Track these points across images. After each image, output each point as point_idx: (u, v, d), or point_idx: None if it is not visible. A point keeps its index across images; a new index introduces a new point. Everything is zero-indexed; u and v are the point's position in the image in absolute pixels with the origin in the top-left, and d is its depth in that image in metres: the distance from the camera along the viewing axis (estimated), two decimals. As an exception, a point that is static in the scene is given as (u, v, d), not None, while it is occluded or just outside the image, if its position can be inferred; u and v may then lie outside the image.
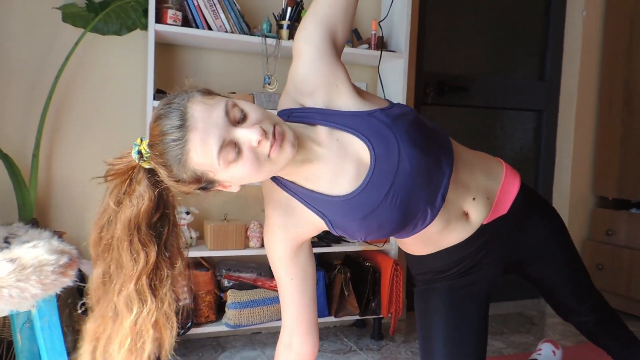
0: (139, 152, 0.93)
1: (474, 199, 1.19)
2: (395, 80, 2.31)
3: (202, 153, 0.86)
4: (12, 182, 1.81)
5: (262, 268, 2.20)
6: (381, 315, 2.24)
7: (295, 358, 1.25)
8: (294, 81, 1.08)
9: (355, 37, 2.34)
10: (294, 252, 1.13)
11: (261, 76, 2.15)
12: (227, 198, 2.26)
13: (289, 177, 1.05)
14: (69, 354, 1.36)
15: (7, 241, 1.37)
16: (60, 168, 2.02)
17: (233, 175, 0.91)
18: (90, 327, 0.98)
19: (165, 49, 2.13)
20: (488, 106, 2.87)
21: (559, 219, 1.36)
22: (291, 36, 2.13)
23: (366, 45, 2.27)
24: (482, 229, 1.21)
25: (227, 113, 0.86)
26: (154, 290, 0.97)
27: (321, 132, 1.04)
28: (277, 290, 2.07)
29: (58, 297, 1.35)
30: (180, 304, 1.94)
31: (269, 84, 2.10)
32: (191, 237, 2.04)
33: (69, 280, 1.28)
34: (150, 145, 0.91)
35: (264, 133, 0.87)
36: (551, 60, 2.98)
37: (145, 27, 1.99)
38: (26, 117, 1.95)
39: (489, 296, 1.30)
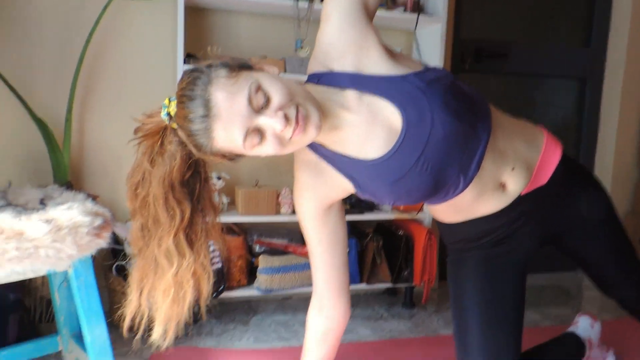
0: (168, 114, 0.95)
1: (512, 168, 1.14)
2: (432, 46, 2.22)
3: (226, 140, 0.90)
4: (47, 146, 1.83)
5: (294, 234, 2.20)
6: (413, 284, 2.22)
7: (326, 322, 1.25)
8: (322, 45, 1.06)
9: (390, 0, 2.25)
10: (323, 212, 1.15)
11: (293, 40, 2.10)
12: (258, 164, 2.24)
13: (318, 140, 1.04)
14: (105, 313, 1.38)
15: (42, 203, 1.39)
16: (92, 132, 2.04)
17: (258, 154, 0.94)
18: (135, 276, 1.03)
19: (195, 12, 2.09)
20: (528, 73, 2.75)
21: (603, 192, 1.28)
22: (324, -3, 2.06)
23: (402, 8, 2.17)
24: (520, 200, 1.16)
25: (250, 101, 0.88)
26: (190, 243, 1.01)
27: (350, 96, 1.02)
28: (308, 257, 2.07)
29: (93, 258, 1.37)
30: (213, 267, 1.96)
31: (301, 48, 2.04)
32: (222, 203, 2.04)
33: (103, 242, 1.29)
34: (177, 117, 0.93)
35: (287, 121, 0.89)
36: (597, 25, 2.80)
37: (175, -11, 1.95)
38: (58, 82, 1.96)
39: (525, 267, 1.25)
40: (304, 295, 2.30)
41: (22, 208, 1.34)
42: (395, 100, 1.00)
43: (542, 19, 2.74)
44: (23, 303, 1.75)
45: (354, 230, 2.25)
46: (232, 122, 0.88)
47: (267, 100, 0.89)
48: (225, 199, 2.05)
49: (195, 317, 1.90)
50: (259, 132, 0.90)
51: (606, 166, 2.84)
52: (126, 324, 1.02)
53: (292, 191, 2.06)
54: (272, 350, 1.83)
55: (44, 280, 1.75)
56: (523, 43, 2.70)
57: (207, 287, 1.07)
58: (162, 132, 0.98)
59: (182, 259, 1.00)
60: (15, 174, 1.88)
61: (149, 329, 1.02)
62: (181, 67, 1.87)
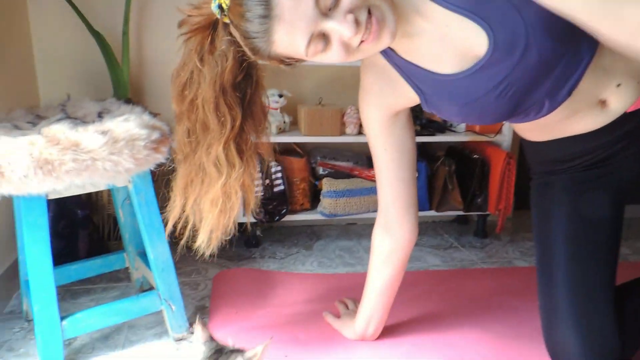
0: (220, 7, 0.84)
1: (618, 85, 0.93)
2: None
3: (287, 45, 0.81)
4: (105, 61, 1.76)
5: (359, 156, 2.07)
6: (487, 212, 2.06)
7: (391, 241, 1.18)
8: None
9: None
10: (389, 120, 1.07)
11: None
12: (322, 80, 2.09)
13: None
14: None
15: (100, 116, 1.33)
16: (150, 47, 1.95)
17: (320, 61, 0.86)
18: (179, 182, 1.00)
19: None
20: None
21: None
22: None
23: None
24: (625, 118, 0.96)
25: (317, 1, 0.77)
26: (240, 153, 0.95)
27: (432, 8, 0.87)
28: (374, 180, 1.94)
29: (153, 175, 1.32)
30: (275, 189, 1.89)
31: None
32: (284, 122, 1.93)
33: (161, 157, 1.23)
34: (231, 13, 0.83)
35: (357, 26, 0.78)
36: None
37: None
38: (115, -8, 1.86)
39: (624, 195, 1.06)
40: (369, 221, 2.20)
41: (80, 121, 1.29)
42: (484, 19, 0.84)
43: None
44: (92, 220, 1.77)
45: (424, 153, 2.09)
46: (295, 25, 0.78)
47: (336, 2, 0.77)
48: (287, 118, 1.94)
49: (257, 239, 1.87)
50: (324, 37, 0.80)
51: None
52: (168, 229, 1.01)
53: (358, 110, 1.91)
54: (336, 275, 1.76)
55: (110, 198, 1.75)
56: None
57: (254, 200, 1.04)
58: (212, 26, 0.88)
59: (231, 169, 0.95)
60: (75, 89, 1.85)
61: (193, 236, 1.01)
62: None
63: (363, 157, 2.07)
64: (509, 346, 1.33)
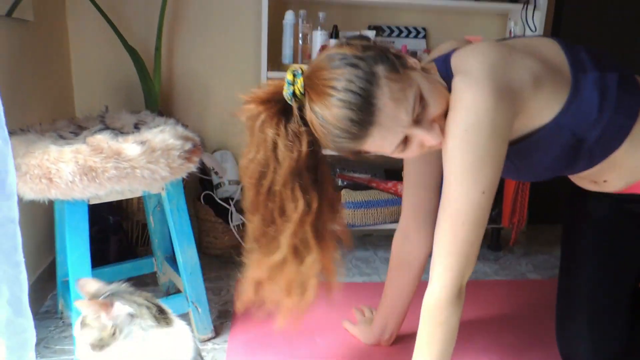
0: (294, 94, 0.86)
1: (605, 181, 1.03)
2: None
3: (376, 145, 0.85)
4: (138, 75, 1.86)
5: (377, 169, 2.14)
6: (501, 225, 2.11)
7: (408, 249, 1.24)
8: None
9: None
10: None
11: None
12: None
13: None
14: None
15: (136, 127, 1.42)
16: (181, 62, 2.05)
17: (396, 156, 0.90)
18: (252, 270, 0.97)
19: None
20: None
21: None
22: None
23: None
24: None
25: (413, 110, 0.82)
26: (318, 237, 0.93)
27: None
28: (391, 193, 2.02)
29: (184, 184, 1.40)
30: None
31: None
32: (306, 135, 2.00)
33: (193, 166, 1.31)
34: (314, 103, 0.83)
35: (441, 136, 0.85)
36: None
37: None
38: (148, 11, 1.96)
39: None
40: (386, 232, 2.26)
41: (119, 131, 1.38)
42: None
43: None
44: (121, 226, 1.85)
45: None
46: (391, 130, 0.82)
47: (425, 110, 0.84)
48: (308, 131, 2.01)
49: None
50: (407, 139, 0.85)
51: None
52: (240, 310, 1.03)
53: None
54: (353, 285, 1.82)
55: (140, 204, 1.84)
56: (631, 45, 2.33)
57: (336, 283, 1.02)
58: (281, 111, 0.87)
59: (308, 253, 0.93)
60: (110, 100, 1.95)
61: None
62: (266, -6, 1.80)
63: (380, 170, 2.13)
64: (519, 356, 1.37)
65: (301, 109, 0.87)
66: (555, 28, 2.27)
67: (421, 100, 0.83)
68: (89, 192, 1.16)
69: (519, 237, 2.20)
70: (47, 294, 1.63)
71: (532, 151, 0.91)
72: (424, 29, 2.13)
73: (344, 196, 2.00)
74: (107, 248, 1.78)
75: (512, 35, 2.06)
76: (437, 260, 0.87)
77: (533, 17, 1.95)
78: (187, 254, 1.39)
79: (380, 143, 0.84)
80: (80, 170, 1.12)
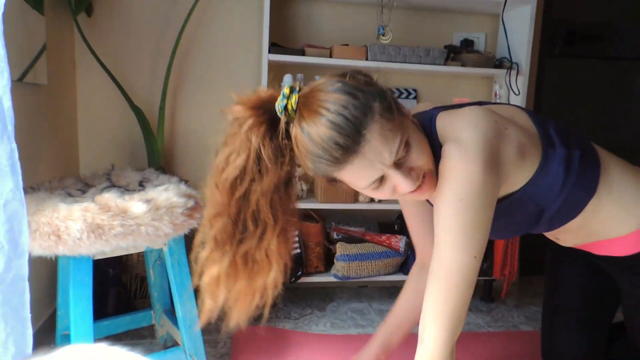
0: (285, 108, 0.86)
1: (557, 239, 1.15)
2: (519, 29, 2.12)
3: (353, 176, 0.85)
4: (142, 133, 1.95)
5: (371, 222, 2.20)
6: (493, 277, 2.16)
7: (424, 275, 1.26)
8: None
9: (475, -18, 2.17)
10: None
11: (375, 27, 2.09)
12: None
13: None
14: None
15: (141, 184, 1.49)
16: (183, 120, 2.15)
17: (367, 193, 0.91)
18: (215, 273, 0.93)
19: (279, 2, 2.13)
20: (626, 57, 2.55)
21: None
22: (407, -17, 2.03)
23: (488, -9, 2.10)
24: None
25: (397, 151, 0.84)
26: (282, 249, 0.93)
27: None
28: (385, 245, 2.08)
29: (185, 238, 1.45)
30: (292, 252, 2.01)
31: (383, 35, 2.03)
32: (302, 190, 2.08)
33: (195, 222, 1.37)
34: (303, 121, 0.83)
35: (415, 185, 0.87)
36: None
37: (260, -20, 2.00)
38: (154, 73, 2.08)
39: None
40: (380, 284, 2.30)
41: (124, 189, 1.44)
42: None
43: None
44: (121, 279, 1.89)
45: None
46: (372, 165, 0.83)
47: (407, 156, 0.86)
48: (304, 186, 2.09)
49: (274, 301, 1.92)
50: (382, 179, 0.87)
51: None
52: (203, 322, 0.96)
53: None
54: (348, 337, 1.85)
55: (140, 258, 1.88)
56: (623, 23, 2.51)
57: (273, 296, 0.99)
58: (267, 121, 0.87)
59: (277, 264, 0.92)
60: (115, 158, 2.03)
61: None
62: (266, 57, 1.92)
63: (375, 223, 2.20)
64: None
65: (288, 124, 0.86)
66: (538, 92, 2.40)
67: (406, 146, 0.85)
68: (95, 248, 1.21)
69: (511, 289, 2.24)
70: (45, 347, 1.64)
71: (499, 215, 0.95)
72: (414, 90, 2.26)
73: (339, 249, 2.05)
74: (105, 301, 1.81)
75: (498, 97, 2.19)
76: (429, 321, 0.89)
77: (517, 81, 2.08)
78: (186, 308, 1.43)
79: (357, 174, 0.84)
80: (88, 227, 1.17)
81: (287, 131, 0.87)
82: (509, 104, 1.06)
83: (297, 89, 0.87)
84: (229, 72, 2.15)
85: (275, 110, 0.87)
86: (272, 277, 0.93)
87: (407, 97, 2.24)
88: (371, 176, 0.85)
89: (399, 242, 2.08)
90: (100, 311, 1.75)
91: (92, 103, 2.06)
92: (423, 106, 1.09)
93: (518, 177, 0.94)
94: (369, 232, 2.16)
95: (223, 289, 0.95)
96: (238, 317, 0.98)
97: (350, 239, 2.13)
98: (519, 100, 2.11)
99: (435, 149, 0.93)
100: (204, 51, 2.13)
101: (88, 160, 2.06)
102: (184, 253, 1.43)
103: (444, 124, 0.95)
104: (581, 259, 1.20)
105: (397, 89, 2.24)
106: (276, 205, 0.89)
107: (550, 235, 1.15)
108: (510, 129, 0.93)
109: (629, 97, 2.60)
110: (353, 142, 0.80)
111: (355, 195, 2.08)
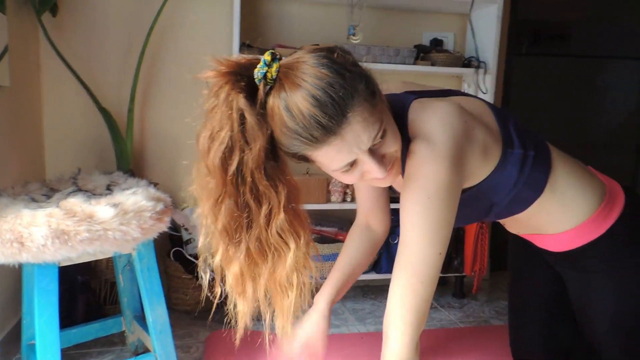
0: (265, 76, 0.80)
1: (504, 224, 1.19)
2: (486, 29, 2.16)
3: (328, 158, 0.83)
4: (111, 135, 1.91)
5: (344, 222, 2.21)
6: (464, 274, 2.19)
7: (368, 235, 1.29)
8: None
9: (443, -17, 2.20)
10: None
11: (345, 27, 2.09)
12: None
13: None
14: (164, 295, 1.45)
15: (108, 188, 1.46)
16: (153, 122, 2.11)
17: (331, 174, 0.89)
18: (236, 271, 0.88)
19: (250, 1, 2.12)
20: (589, 55, 2.63)
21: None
22: (376, -17, 2.04)
23: (455, -9, 2.13)
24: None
25: (374, 137, 0.82)
26: (296, 224, 0.88)
27: None
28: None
29: (154, 243, 1.43)
30: (309, 227, 2.00)
31: (354, 35, 2.04)
32: (275, 190, 2.07)
33: (164, 226, 1.35)
34: (283, 96, 0.79)
35: (385, 171, 0.87)
36: (666, 1, 2.65)
37: (229, -21, 1.98)
38: (122, 74, 2.04)
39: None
40: (354, 283, 2.30)
41: (91, 193, 1.41)
42: None
43: (605, -3, 2.62)
44: (90, 285, 1.85)
45: (405, 219, 2.23)
46: (349, 149, 0.81)
47: (381, 142, 0.85)
48: (277, 187, 2.08)
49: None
50: (353, 164, 0.86)
51: (673, 154, 2.69)
52: (241, 328, 0.92)
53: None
54: (323, 336, 1.85)
55: (109, 263, 1.85)
56: (584, 23, 2.58)
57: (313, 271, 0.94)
58: (246, 87, 0.81)
59: (297, 236, 0.87)
60: (82, 161, 1.98)
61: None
62: (236, 56, 1.91)
63: (347, 223, 2.21)
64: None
65: (267, 94, 0.81)
66: (506, 90, 2.45)
67: (383, 132, 0.84)
68: (60, 255, 1.18)
69: (482, 285, 2.28)
70: (10, 357, 1.60)
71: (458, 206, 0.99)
72: (385, 89, 2.27)
73: (312, 249, 2.05)
74: (74, 308, 1.77)
75: (466, 95, 2.22)
76: (395, 317, 0.89)
77: (484, 80, 2.11)
78: (157, 313, 1.41)
79: (332, 156, 0.82)
80: (52, 233, 1.15)
81: (265, 102, 0.82)
82: (476, 97, 1.07)
83: (278, 56, 0.82)
84: (199, 72, 2.11)
85: (253, 77, 0.81)
86: (291, 260, 0.87)
87: (378, 97, 2.26)
88: (345, 159, 0.83)
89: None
90: (69, 319, 1.71)
91: (58, 105, 2.01)
92: (394, 87, 1.06)
93: (477, 174, 0.97)
94: (342, 231, 2.17)
95: (249, 285, 0.90)
96: (283, 320, 0.93)
97: (323, 239, 2.13)
98: (487, 98, 2.14)
99: (403, 138, 0.92)
100: (174, 51, 2.10)
101: (55, 164, 2.01)
102: (154, 257, 1.41)
103: (417, 116, 0.94)
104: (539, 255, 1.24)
105: (368, 89, 2.25)
106: (272, 175, 0.83)
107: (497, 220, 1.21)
108: (477, 129, 0.94)
109: (592, 94, 2.68)
110: (336, 123, 0.77)
111: (327, 195, 2.08)
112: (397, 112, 0.95)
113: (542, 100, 2.62)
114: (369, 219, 1.28)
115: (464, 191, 0.97)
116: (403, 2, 2.16)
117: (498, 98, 2.38)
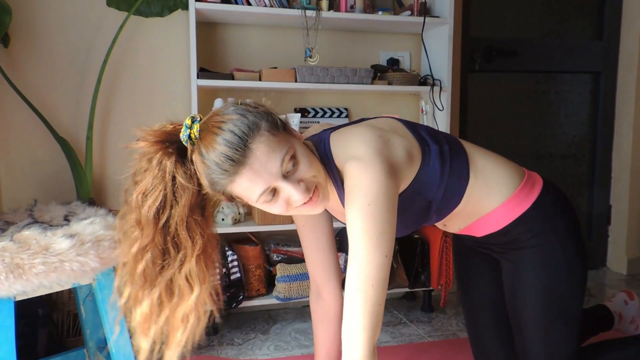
0: (190, 137, 0.94)
1: (445, 225, 1.26)
2: (439, 48, 2.23)
3: (244, 189, 0.92)
4: (69, 164, 1.89)
5: (310, 242, 2.21)
6: (431, 288, 2.22)
7: (322, 307, 1.33)
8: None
9: (397, 4, 2.27)
10: None
11: (302, 49, 2.13)
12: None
13: None
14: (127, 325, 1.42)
15: (66, 219, 1.44)
16: (113, 149, 2.09)
17: (262, 209, 0.99)
18: (146, 310, 0.96)
19: (206, 27, 2.14)
20: (540, 70, 2.74)
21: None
22: (331, 7, 2.10)
23: (408, 12, 2.20)
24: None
25: (282, 163, 0.92)
26: (202, 273, 0.98)
27: None
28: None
29: (115, 271, 1.41)
30: (232, 277, 1.99)
31: (310, 57, 2.08)
32: (239, 213, 2.07)
33: (124, 255, 1.33)
34: (202, 144, 0.92)
35: (306, 195, 0.95)
36: (609, 18, 2.79)
37: (186, 6, 2.01)
38: (78, 101, 2.02)
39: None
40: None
41: (48, 224, 1.39)
42: None
43: (552, 14, 2.74)
44: (51, 318, 1.80)
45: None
46: (259, 176, 0.91)
47: (295, 169, 0.94)
48: (242, 210, 2.09)
49: (216, 328, 1.91)
50: (275, 192, 0.94)
51: (624, 160, 2.81)
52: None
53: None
54: (292, 358, 1.84)
55: (71, 294, 1.81)
56: (533, 39, 2.70)
57: (220, 302, 1.06)
58: (175, 151, 0.95)
59: (203, 281, 0.98)
60: (40, 192, 1.95)
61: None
62: (195, 82, 1.92)
63: (314, 242, 2.22)
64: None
65: (192, 152, 0.94)
66: (462, 106, 2.53)
67: (292, 158, 0.93)
68: (15, 289, 1.15)
69: (449, 298, 2.31)
70: (-33, 399, 1.54)
71: (397, 212, 1.04)
72: (345, 109, 2.32)
73: (279, 270, 2.05)
74: (35, 342, 1.71)
75: (424, 112, 2.28)
76: (350, 322, 0.93)
77: (440, 97, 2.18)
78: (120, 344, 1.38)
79: (247, 186, 0.91)
80: (6, 268, 1.12)
81: (192, 158, 0.95)
82: (387, 116, 1.17)
83: (198, 118, 0.95)
84: (158, 98, 2.12)
85: (180, 141, 0.95)
86: (192, 301, 0.96)
87: (339, 116, 2.30)
88: (259, 187, 0.91)
89: (339, 259, 2.11)
90: (30, 354, 1.67)
91: (13, 136, 1.98)
92: (313, 129, 1.20)
93: (407, 176, 1.05)
94: (309, 251, 2.17)
95: (153, 324, 0.97)
96: (170, 353, 1.00)
97: (290, 260, 2.13)
98: (443, 114, 2.21)
99: (332, 170, 1.04)
100: (132, 78, 2.09)
101: (11, 197, 1.96)
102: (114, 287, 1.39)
103: (338, 146, 1.05)
104: (483, 259, 1.32)
105: (329, 109, 2.29)
106: (193, 227, 0.95)
107: (439, 224, 1.26)
108: (392, 139, 1.05)
109: (546, 107, 2.78)
110: (241, 154, 0.89)
111: (291, 217, 2.09)
112: (319, 149, 1.07)
113: (498, 114, 2.71)
114: (319, 284, 1.32)
115: (399, 195, 1.04)
116: (358, 25, 2.22)
117: (455, 114, 2.45)
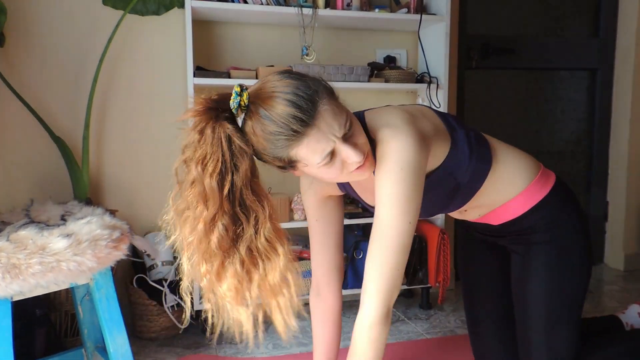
0: (239, 105, 0.93)
1: (465, 210, 1.28)
2: (436, 45, 2.23)
3: (310, 150, 0.92)
4: (66, 164, 1.88)
5: (307, 241, 2.21)
6: (429, 285, 2.22)
7: (321, 302, 1.35)
8: None
9: (393, 2, 2.27)
10: (322, 201, 1.26)
11: (299, 47, 2.13)
12: (270, 173, 2.27)
13: None
14: (127, 325, 1.42)
15: (63, 218, 1.44)
16: (109, 148, 2.09)
17: (316, 172, 0.98)
18: (235, 279, 0.95)
19: (203, 25, 2.14)
20: (537, 67, 2.74)
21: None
22: (328, 4, 2.09)
23: (405, 10, 2.19)
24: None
25: (343, 126, 0.93)
26: (279, 231, 0.99)
27: None
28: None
29: (114, 271, 1.41)
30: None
31: (307, 55, 2.08)
32: (237, 212, 2.07)
33: (121, 254, 1.34)
34: (266, 108, 0.91)
35: (362, 157, 0.96)
36: (605, 15, 2.79)
37: (182, 4, 2.00)
38: (75, 100, 2.01)
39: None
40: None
41: (44, 224, 1.39)
42: None
43: (549, 11, 2.74)
44: (49, 318, 1.80)
45: (367, 234, 2.26)
46: (325, 137, 0.91)
47: (351, 132, 0.96)
48: (239, 208, 2.08)
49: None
50: (332, 154, 0.94)
51: (621, 156, 2.81)
52: (252, 336, 0.99)
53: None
54: (291, 356, 1.84)
55: (68, 294, 1.80)
56: (530, 37, 2.70)
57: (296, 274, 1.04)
58: (227, 118, 0.93)
59: (284, 239, 0.98)
60: (36, 192, 1.94)
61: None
62: (191, 80, 1.92)
63: (312, 240, 2.22)
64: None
65: (244, 120, 0.94)
66: (459, 103, 2.53)
67: (350, 124, 0.95)
68: (12, 289, 1.15)
69: (448, 294, 2.31)
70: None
71: (425, 191, 1.05)
72: (342, 106, 2.31)
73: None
74: (32, 343, 1.71)
75: (421, 109, 2.28)
76: (368, 283, 0.97)
77: (437, 94, 2.18)
78: (117, 343, 1.38)
79: (313, 147, 0.91)
80: (2, 268, 1.12)
81: (243, 126, 0.95)
82: (414, 104, 1.23)
83: (245, 87, 0.94)
84: (155, 97, 2.12)
85: (229, 107, 0.94)
86: (283, 261, 0.97)
87: (336, 114, 2.29)
88: (324, 149, 0.92)
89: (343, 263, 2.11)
90: (28, 354, 1.66)
91: (9, 136, 1.97)
92: None
93: (437, 153, 1.08)
94: (306, 249, 2.17)
95: (245, 291, 0.97)
96: (282, 315, 1.01)
97: (288, 258, 2.13)
98: (441, 112, 2.21)
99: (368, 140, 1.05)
100: (128, 77, 2.09)
101: (7, 197, 1.95)
102: (112, 286, 1.39)
103: (371, 118, 1.08)
104: (490, 249, 1.34)
105: (326, 107, 2.29)
106: (257, 190, 0.96)
107: (458, 212, 1.27)
108: (421, 118, 1.09)
109: (544, 104, 2.78)
110: (310, 115, 0.89)
111: (290, 214, 2.09)
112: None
113: (494, 112, 2.71)
114: (320, 283, 1.32)
115: (430, 174, 1.08)
116: (355, 22, 2.21)
117: (452, 111, 2.45)
